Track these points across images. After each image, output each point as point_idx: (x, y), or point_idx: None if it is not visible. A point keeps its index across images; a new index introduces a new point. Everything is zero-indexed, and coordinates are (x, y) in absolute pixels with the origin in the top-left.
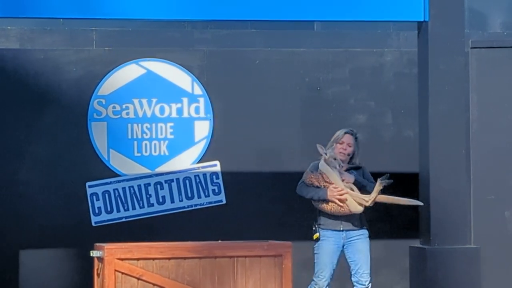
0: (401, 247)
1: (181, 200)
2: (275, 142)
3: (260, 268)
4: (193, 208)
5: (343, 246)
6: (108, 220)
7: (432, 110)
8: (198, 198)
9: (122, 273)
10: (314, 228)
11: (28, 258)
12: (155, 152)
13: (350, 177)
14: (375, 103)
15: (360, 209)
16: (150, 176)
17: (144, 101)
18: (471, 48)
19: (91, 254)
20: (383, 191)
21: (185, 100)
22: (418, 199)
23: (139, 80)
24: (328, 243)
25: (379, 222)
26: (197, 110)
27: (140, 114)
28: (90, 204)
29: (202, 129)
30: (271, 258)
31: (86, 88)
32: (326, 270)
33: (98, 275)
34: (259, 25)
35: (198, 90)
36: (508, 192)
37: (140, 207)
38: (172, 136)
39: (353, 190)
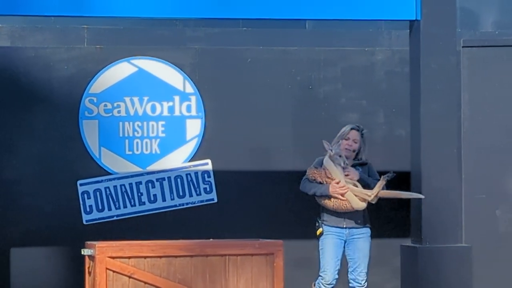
0: (392, 246)
1: (172, 199)
2: (267, 140)
3: (251, 266)
4: (185, 206)
5: (345, 242)
6: (99, 219)
7: (424, 109)
8: (190, 196)
9: (114, 271)
10: (317, 224)
11: (18, 256)
12: (146, 150)
13: (355, 173)
14: (367, 102)
15: (362, 205)
16: (141, 174)
17: (136, 99)
18: (463, 47)
19: (82, 252)
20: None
21: (176, 98)
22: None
23: (131, 78)
24: (332, 237)
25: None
26: (188, 108)
27: (132, 112)
28: (81, 203)
29: (194, 128)
30: (263, 257)
31: (77, 86)
32: (332, 263)
33: (89, 273)
34: (251, 23)
35: (189, 88)
36: (499, 191)
37: (132, 206)
38: (163, 135)
39: (356, 187)
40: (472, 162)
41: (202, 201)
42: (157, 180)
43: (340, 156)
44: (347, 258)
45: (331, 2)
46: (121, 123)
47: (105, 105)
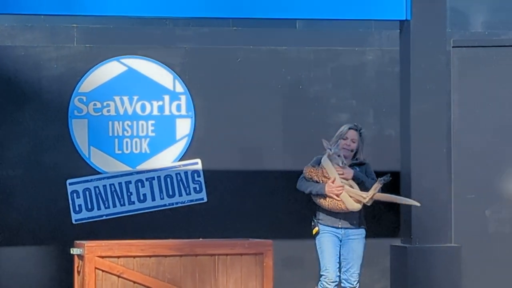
0: (382, 246)
1: (162, 198)
2: (257, 140)
3: (241, 266)
4: (174, 206)
5: (340, 242)
6: (88, 218)
7: (414, 109)
8: (179, 196)
9: (103, 270)
10: (313, 223)
11: (7, 255)
12: (136, 149)
13: (349, 172)
14: (357, 102)
15: (357, 206)
16: (131, 173)
17: (125, 98)
18: (453, 47)
19: (71, 252)
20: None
21: (166, 97)
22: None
23: (120, 77)
24: (329, 236)
25: None
26: (178, 107)
27: (121, 111)
28: (70, 202)
29: (184, 127)
30: (252, 256)
31: (66, 85)
32: (332, 261)
33: (78, 272)
34: (241, 23)
35: (179, 87)
36: (488, 191)
37: (121, 205)
38: (153, 134)
39: (353, 187)
40: (462, 162)
41: (192, 201)
42: (146, 179)
43: (339, 156)
44: (340, 258)
45: (321, 1)
46: (110, 122)
47: (95, 104)
